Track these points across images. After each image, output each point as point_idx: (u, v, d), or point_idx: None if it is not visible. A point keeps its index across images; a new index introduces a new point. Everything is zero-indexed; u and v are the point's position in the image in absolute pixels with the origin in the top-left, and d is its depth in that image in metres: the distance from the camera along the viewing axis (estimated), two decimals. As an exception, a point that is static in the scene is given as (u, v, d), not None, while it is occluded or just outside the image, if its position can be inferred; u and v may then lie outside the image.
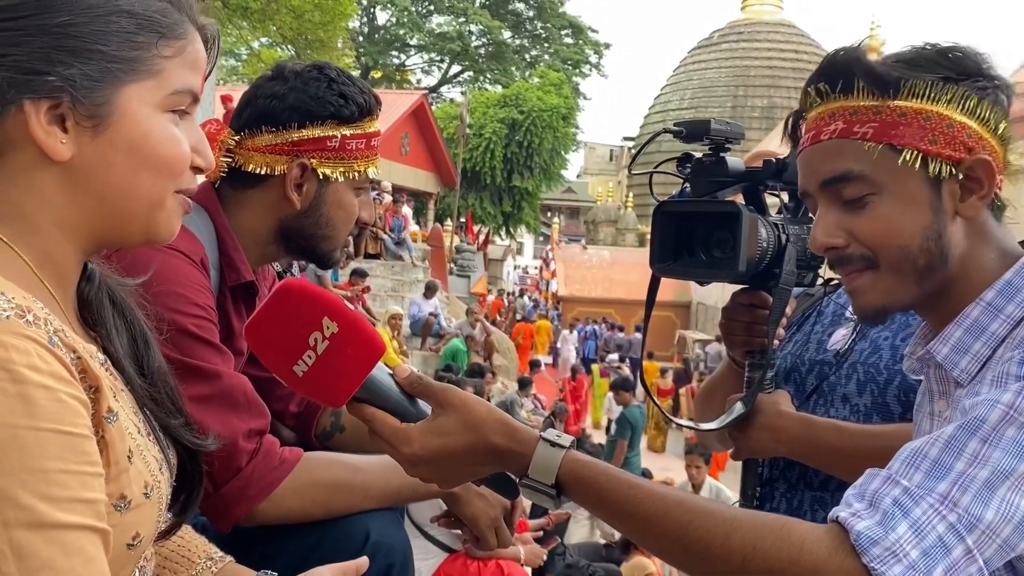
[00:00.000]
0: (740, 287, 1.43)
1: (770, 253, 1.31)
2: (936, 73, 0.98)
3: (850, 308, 1.52)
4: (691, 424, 1.54)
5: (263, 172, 1.37)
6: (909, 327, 1.42)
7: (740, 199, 1.38)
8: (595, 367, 17.27)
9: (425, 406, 0.98)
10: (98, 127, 0.79)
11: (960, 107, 0.98)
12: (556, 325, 25.53)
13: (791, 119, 1.13)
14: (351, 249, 12.01)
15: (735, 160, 1.33)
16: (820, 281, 1.49)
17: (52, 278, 0.82)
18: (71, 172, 0.79)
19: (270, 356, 0.95)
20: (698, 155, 1.35)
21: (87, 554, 0.71)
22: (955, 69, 0.99)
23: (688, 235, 1.32)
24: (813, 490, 1.42)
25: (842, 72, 1.01)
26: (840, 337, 1.50)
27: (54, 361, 0.73)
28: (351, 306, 0.95)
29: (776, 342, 1.41)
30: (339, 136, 1.38)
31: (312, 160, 1.37)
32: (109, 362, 0.86)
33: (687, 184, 1.36)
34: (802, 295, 1.61)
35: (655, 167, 1.43)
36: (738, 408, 1.35)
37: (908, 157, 0.98)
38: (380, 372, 0.97)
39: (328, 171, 1.38)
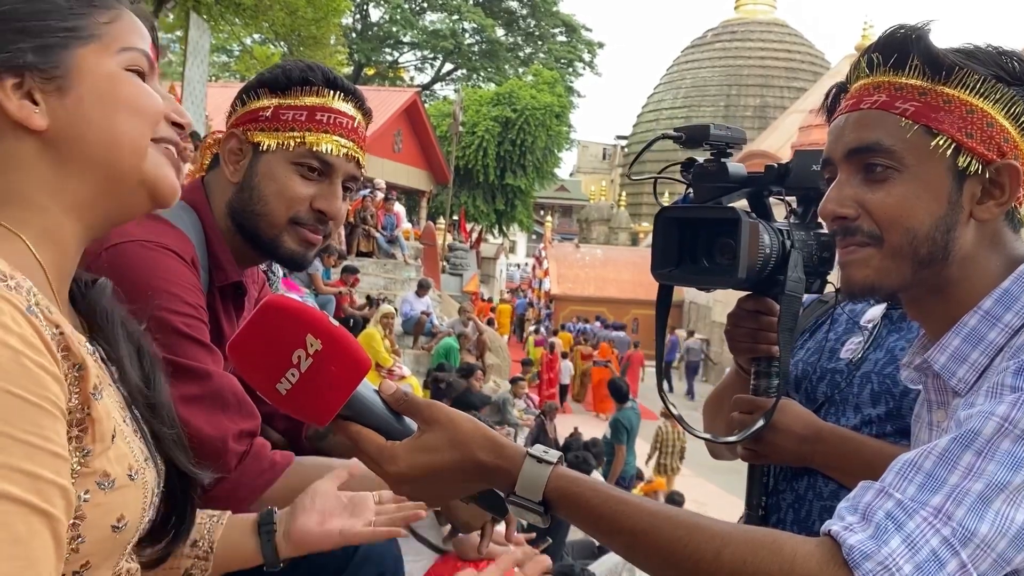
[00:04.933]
0: (745, 293, 1.41)
1: (774, 259, 1.28)
2: (991, 70, 0.97)
3: (864, 316, 1.51)
4: (709, 436, 1.52)
5: (214, 152, 1.40)
6: None
7: (745, 205, 1.36)
8: (530, 337, 19.13)
9: (411, 423, 0.96)
10: (62, 88, 0.82)
11: (1005, 110, 0.97)
12: (547, 324, 25.55)
13: (833, 90, 1.11)
14: (343, 248, 11.97)
15: (736, 166, 1.31)
16: (832, 288, 1.48)
17: (51, 260, 0.82)
18: (52, 141, 0.82)
19: (253, 374, 0.94)
20: (701, 160, 1.33)
21: (15, 532, 0.65)
22: (1010, 72, 0.98)
23: (691, 241, 1.30)
24: (823, 500, 1.40)
25: (898, 47, 1.00)
26: (853, 345, 1.48)
27: (27, 327, 0.71)
28: (335, 322, 0.93)
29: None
30: (271, 106, 1.36)
31: (248, 132, 1.37)
32: (99, 355, 0.85)
33: (690, 189, 1.34)
34: (815, 302, 1.59)
35: (659, 172, 1.41)
36: (759, 422, 1.34)
37: (941, 143, 0.97)
38: (365, 389, 0.95)
39: (261, 139, 1.36)
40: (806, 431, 1.35)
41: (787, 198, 1.40)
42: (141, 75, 0.87)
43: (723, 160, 1.30)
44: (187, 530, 0.97)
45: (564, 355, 18.24)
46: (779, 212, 1.43)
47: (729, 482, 9.63)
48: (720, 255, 1.27)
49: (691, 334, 23.15)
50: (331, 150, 1.36)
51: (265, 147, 1.35)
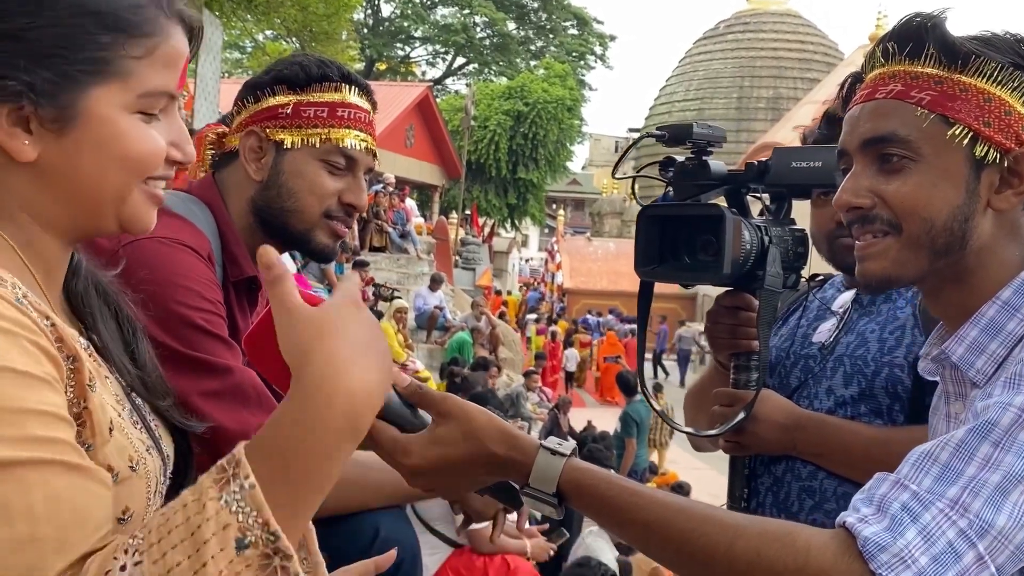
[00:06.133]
0: (724, 290, 1.44)
1: (754, 255, 1.32)
2: (1008, 58, 0.96)
3: (835, 302, 1.54)
4: (691, 431, 1.56)
5: (230, 150, 1.41)
6: (896, 320, 1.44)
7: (723, 202, 1.39)
8: (532, 326, 19.83)
9: (426, 415, 0.97)
10: (63, 129, 0.77)
11: (1023, 97, 0.96)
12: (560, 316, 25.56)
13: (849, 80, 1.11)
14: (356, 243, 12.01)
15: (717, 163, 1.34)
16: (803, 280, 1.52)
17: (37, 265, 0.81)
18: (39, 170, 0.78)
19: (268, 368, 0.93)
20: (680, 159, 1.36)
21: (50, 488, 0.66)
22: None
23: (672, 238, 1.33)
24: (801, 480, 1.44)
25: (914, 36, 0.99)
26: (825, 330, 1.52)
27: (18, 314, 0.71)
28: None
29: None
30: (291, 103, 1.38)
31: (267, 129, 1.38)
32: (93, 349, 0.85)
33: (670, 188, 1.37)
34: (787, 291, 1.65)
35: (638, 171, 1.43)
36: (739, 415, 1.38)
37: (958, 132, 0.96)
38: None
39: (283, 137, 1.37)
40: (787, 420, 1.40)
41: (761, 196, 1.43)
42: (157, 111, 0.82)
43: (704, 158, 1.33)
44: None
45: (570, 344, 18.98)
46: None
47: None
48: (702, 252, 1.30)
49: (682, 323, 23.18)
50: (355, 145, 1.39)
51: (289, 144, 1.37)
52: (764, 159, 1.36)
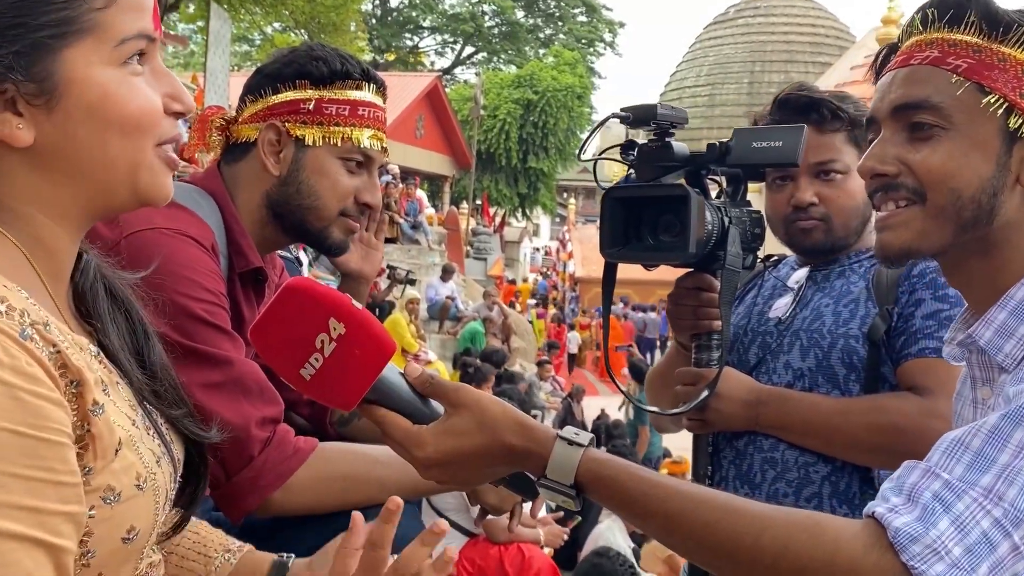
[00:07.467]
0: (684, 271, 1.46)
1: (715, 235, 1.33)
2: None
3: (790, 279, 1.57)
4: (656, 409, 1.59)
5: (243, 141, 1.39)
6: (850, 293, 1.48)
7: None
8: (533, 311, 20.30)
9: (438, 406, 0.95)
10: (50, 102, 0.74)
11: None
12: (574, 308, 25.56)
13: (884, 49, 1.07)
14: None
15: (680, 145, 1.35)
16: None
17: (45, 265, 0.79)
18: (39, 155, 0.76)
19: (276, 359, 0.92)
20: (642, 141, 1.36)
21: (22, 568, 0.65)
22: None
23: (636, 220, 1.34)
24: (763, 452, 1.47)
25: (955, 3, 0.97)
26: (782, 305, 1.55)
27: (22, 355, 0.69)
28: (358, 305, 0.91)
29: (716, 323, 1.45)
30: (313, 99, 1.36)
31: (286, 123, 1.36)
32: (103, 354, 0.83)
33: (631, 170, 1.38)
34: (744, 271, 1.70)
35: (599, 153, 1.44)
36: (703, 393, 1.40)
37: (992, 102, 0.93)
38: (391, 372, 0.93)
39: (304, 134, 1.35)
40: (749, 396, 1.43)
41: (719, 177, 1.45)
42: (142, 55, 0.79)
43: (667, 139, 1.34)
44: (201, 493, 0.96)
45: (571, 327, 19.64)
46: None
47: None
48: (665, 232, 1.32)
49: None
50: (373, 145, 1.39)
51: (310, 141, 1.36)
52: (725, 140, 1.37)
